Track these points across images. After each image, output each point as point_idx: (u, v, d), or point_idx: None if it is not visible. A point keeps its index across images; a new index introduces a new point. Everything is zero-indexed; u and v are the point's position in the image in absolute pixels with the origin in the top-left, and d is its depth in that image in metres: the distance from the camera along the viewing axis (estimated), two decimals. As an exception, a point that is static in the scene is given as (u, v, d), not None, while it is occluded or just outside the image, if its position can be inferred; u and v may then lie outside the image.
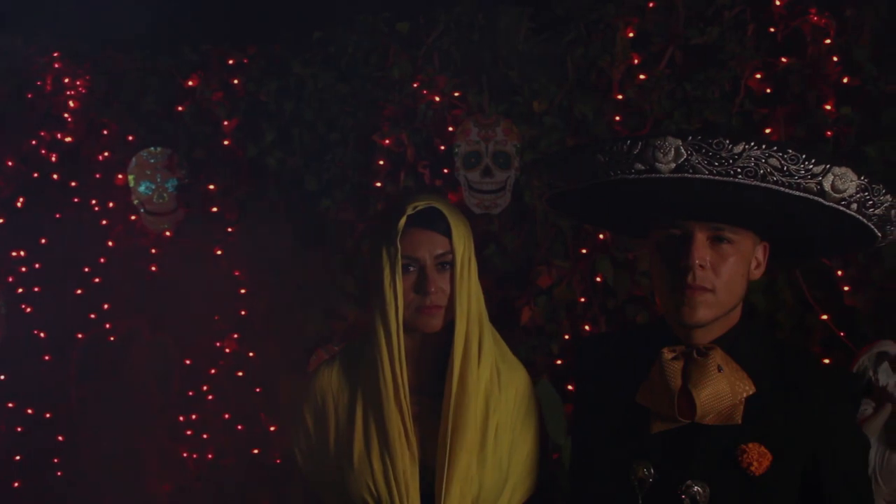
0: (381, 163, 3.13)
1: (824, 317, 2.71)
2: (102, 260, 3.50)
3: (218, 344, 3.38)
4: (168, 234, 3.44)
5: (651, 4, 2.96)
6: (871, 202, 1.24)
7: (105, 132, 3.50)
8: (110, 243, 3.50)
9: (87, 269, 3.50)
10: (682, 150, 1.20)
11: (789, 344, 2.36)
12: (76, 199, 3.53)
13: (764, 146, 1.18)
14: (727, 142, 1.17)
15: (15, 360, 3.52)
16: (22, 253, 3.56)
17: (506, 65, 3.07)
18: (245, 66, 3.36)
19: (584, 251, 2.99)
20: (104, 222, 3.50)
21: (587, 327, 2.97)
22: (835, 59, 2.77)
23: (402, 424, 1.45)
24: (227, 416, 3.36)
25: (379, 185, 3.14)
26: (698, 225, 1.30)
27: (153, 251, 3.46)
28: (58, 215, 3.53)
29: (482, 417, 1.47)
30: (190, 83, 3.37)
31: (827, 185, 1.20)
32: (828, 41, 2.78)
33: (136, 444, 3.40)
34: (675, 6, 2.94)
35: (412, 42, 3.18)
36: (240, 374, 3.34)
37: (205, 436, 3.39)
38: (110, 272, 3.50)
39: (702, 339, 1.35)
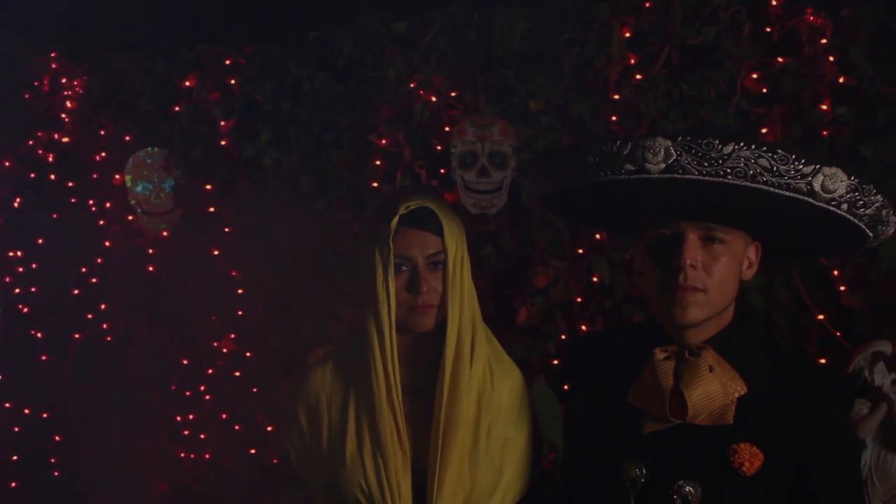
0: (378, 163, 3.13)
1: (821, 317, 2.71)
2: (100, 260, 3.51)
3: (215, 344, 3.38)
4: (165, 234, 3.44)
5: (647, 4, 2.96)
6: (861, 202, 1.24)
7: (102, 132, 3.50)
8: (107, 243, 3.51)
9: (84, 270, 3.51)
10: (672, 151, 1.20)
11: (785, 344, 2.35)
12: (73, 200, 3.53)
13: (753, 146, 1.18)
14: (717, 142, 1.18)
15: (12, 361, 3.52)
16: (19, 253, 3.57)
17: (502, 65, 3.06)
18: (241, 66, 3.35)
19: (580, 251, 2.98)
20: (101, 222, 3.51)
21: (584, 327, 2.97)
22: (831, 58, 2.77)
23: (394, 424, 1.45)
24: (224, 416, 3.37)
25: (375, 185, 3.14)
26: (690, 225, 1.30)
27: (150, 251, 3.46)
28: (55, 215, 3.54)
29: (474, 417, 1.48)
30: (187, 83, 3.37)
31: (817, 186, 1.20)
32: (824, 41, 2.78)
33: (134, 445, 3.41)
34: (671, 6, 2.93)
35: (408, 42, 3.18)
36: (237, 374, 3.35)
37: (202, 436, 3.40)
38: (107, 272, 3.51)
39: (694, 339, 1.35)
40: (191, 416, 3.41)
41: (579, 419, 1.50)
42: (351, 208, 3.18)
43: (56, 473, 3.52)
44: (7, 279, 3.56)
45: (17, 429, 3.54)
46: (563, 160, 1.37)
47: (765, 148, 1.18)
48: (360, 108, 3.17)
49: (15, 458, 3.54)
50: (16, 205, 3.58)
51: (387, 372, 1.46)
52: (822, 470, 1.30)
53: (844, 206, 1.23)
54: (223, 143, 3.33)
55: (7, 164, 3.57)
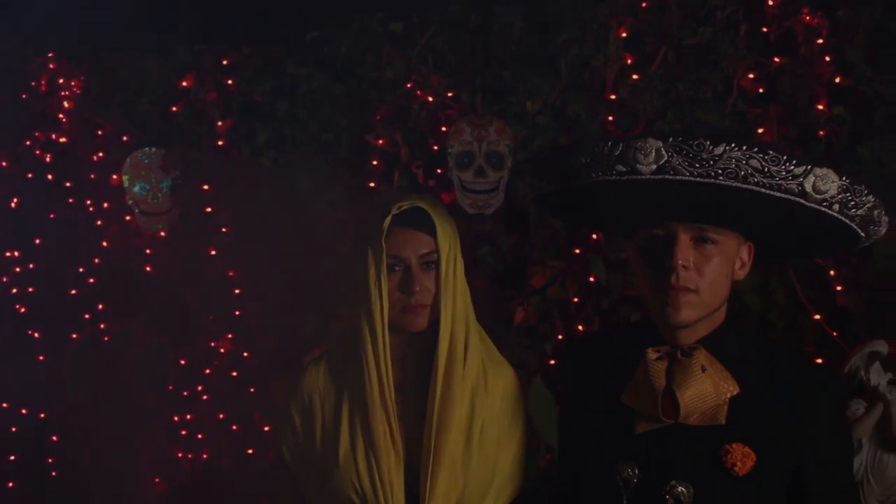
0: (375, 163, 3.13)
1: (817, 317, 2.71)
2: (97, 260, 3.50)
3: (213, 344, 3.38)
4: (162, 234, 3.44)
5: (644, 4, 2.96)
6: (853, 203, 1.24)
7: (99, 132, 3.50)
8: (105, 243, 3.50)
9: (81, 270, 3.51)
10: (663, 152, 1.20)
11: (780, 344, 2.35)
12: (71, 200, 3.53)
13: (745, 147, 1.18)
14: (707, 143, 1.18)
15: (9, 361, 3.52)
16: (16, 253, 3.57)
17: (499, 65, 3.07)
18: (239, 66, 3.36)
19: (577, 251, 2.98)
20: (99, 222, 3.51)
21: (581, 327, 2.97)
22: (827, 58, 2.77)
23: (387, 424, 1.46)
24: (222, 416, 3.36)
25: (373, 185, 3.14)
26: (682, 226, 1.30)
27: (148, 251, 3.46)
28: (52, 215, 3.54)
29: (467, 417, 1.48)
30: (184, 83, 3.37)
31: (808, 186, 1.20)
32: (820, 41, 2.78)
33: (131, 445, 3.40)
34: (668, 6, 2.93)
35: (406, 42, 3.18)
36: (235, 374, 3.34)
37: (200, 436, 3.40)
38: (105, 272, 3.50)
39: (686, 340, 1.35)
40: (188, 416, 3.41)
41: (574, 419, 1.50)
42: (349, 208, 3.18)
43: (53, 473, 3.52)
44: (4, 279, 3.56)
45: (14, 429, 3.54)
46: (555, 160, 1.37)
47: (756, 149, 1.18)
48: (358, 108, 3.18)
49: (12, 458, 3.53)
50: (13, 205, 3.57)
51: (380, 371, 1.46)
52: (815, 470, 1.30)
53: (836, 206, 1.23)
54: (221, 143, 3.33)
55: (4, 163, 3.57)
